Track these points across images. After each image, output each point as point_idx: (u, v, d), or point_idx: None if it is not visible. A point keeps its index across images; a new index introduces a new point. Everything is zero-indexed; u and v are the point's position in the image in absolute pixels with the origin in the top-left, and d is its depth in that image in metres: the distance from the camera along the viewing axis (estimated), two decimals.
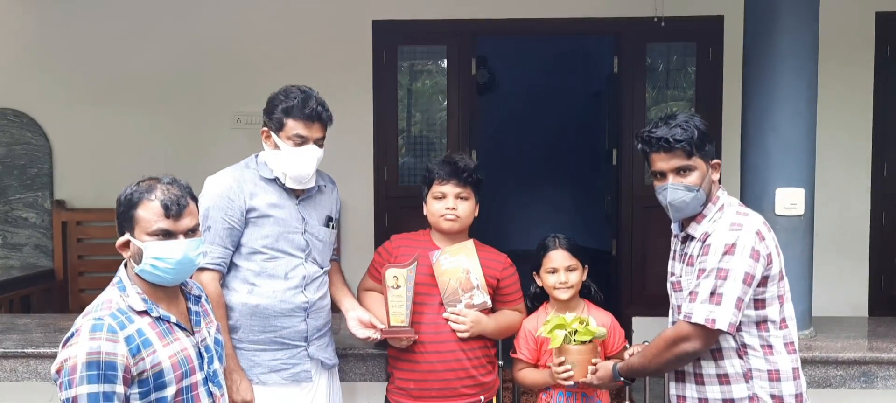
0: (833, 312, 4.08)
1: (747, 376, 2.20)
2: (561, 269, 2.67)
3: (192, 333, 2.02)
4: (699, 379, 2.27)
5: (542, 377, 2.65)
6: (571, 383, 2.49)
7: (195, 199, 2.01)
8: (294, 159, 2.46)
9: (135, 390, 1.85)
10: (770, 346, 2.20)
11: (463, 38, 5.42)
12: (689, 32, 5.27)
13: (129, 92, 5.47)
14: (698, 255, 2.21)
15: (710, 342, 2.18)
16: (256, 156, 2.58)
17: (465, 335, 2.63)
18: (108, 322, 1.84)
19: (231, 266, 2.49)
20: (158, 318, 1.93)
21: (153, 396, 1.88)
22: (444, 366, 2.63)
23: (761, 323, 2.20)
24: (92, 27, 5.45)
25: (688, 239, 2.30)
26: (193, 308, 2.06)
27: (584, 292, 2.78)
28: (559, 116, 8.58)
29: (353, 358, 2.88)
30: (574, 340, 2.47)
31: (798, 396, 2.22)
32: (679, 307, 2.27)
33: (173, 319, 1.97)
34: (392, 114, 5.47)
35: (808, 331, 3.01)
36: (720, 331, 2.13)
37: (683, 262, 2.30)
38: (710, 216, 2.25)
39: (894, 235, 5.18)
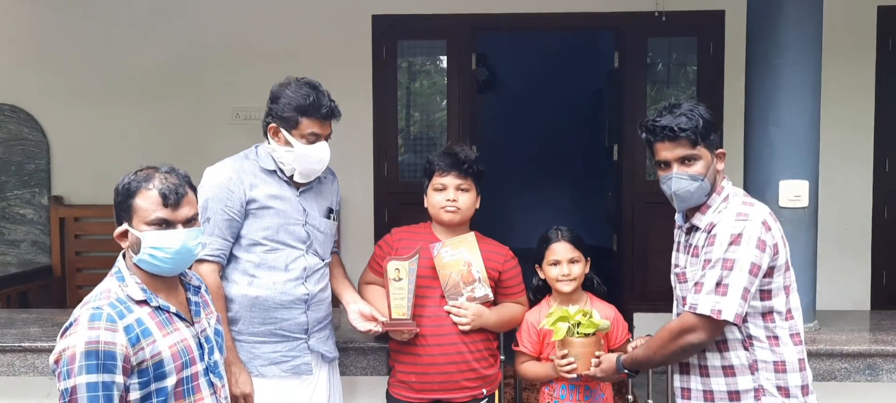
0: (835, 308, 4.05)
1: (753, 367, 2.18)
2: (563, 261, 2.65)
3: (192, 324, 1.99)
4: (704, 371, 2.24)
5: (545, 370, 2.63)
6: (575, 376, 2.47)
7: (194, 189, 1.99)
8: (308, 156, 2.44)
9: (134, 380, 1.82)
10: (776, 337, 2.18)
11: (463, 32, 5.41)
12: (689, 27, 5.26)
13: (128, 87, 5.44)
14: (704, 246, 2.18)
15: (715, 333, 2.15)
16: (256, 148, 2.56)
17: (467, 328, 2.61)
18: (107, 311, 1.81)
19: (230, 257, 2.46)
20: (158, 308, 1.91)
21: (153, 386, 1.85)
22: (445, 359, 2.60)
23: (767, 313, 2.18)
24: (90, 22, 5.43)
25: (692, 229, 2.27)
26: (193, 298, 2.04)
27: (587, 285, 2.76)
28: (559, 114, 8.56)
29: (353, 352, 2.85)
30: (577, 332, 2.45)
31: (804, 387, 2.19)
32: (684, 298, 2.24)
33: (173, 309, 1.94)
34: (392, 110, 5.45)
35: (813, 324, 2.99)
36: (726, 322, 2.10)
37: (688, 253, 2.28)
38: (715, 206, 2.22)
39: None
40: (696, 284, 2.16)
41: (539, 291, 2.78)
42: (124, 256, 1.96)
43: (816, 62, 3.01)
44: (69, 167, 5.50)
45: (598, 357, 2.44)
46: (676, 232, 2.40)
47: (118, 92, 5.44)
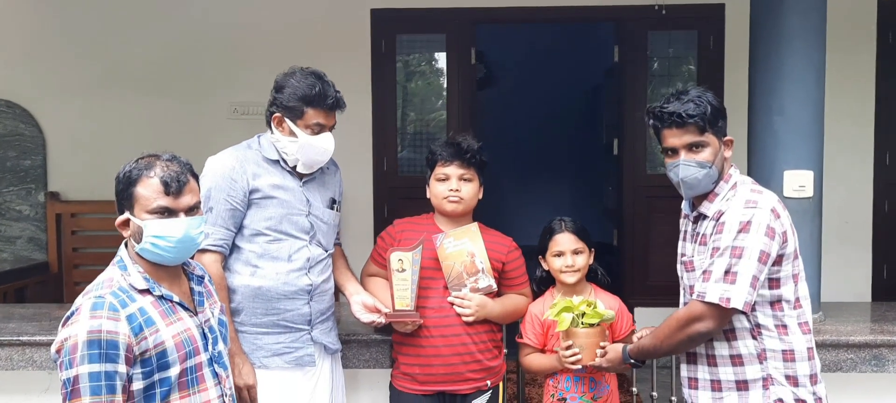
0: (836, 301, 4.04)
1: (761, 356, 2.16)
2: (567, 252, 2.63)
3: (196, 313, 1.96)
4: (711, 360, 2.22)
5: (550, 361, 2.61)
6: (579, 367, 2.45)
7: (196, 176, 1.96)
8: (312, 146, 2.42)
9: (137, 370, 1.79)
10: (784, 326, 2.16)
11: (462, 26, 5.38)
12: (690, 20, 5.25)
13: (124, 82, 5.40)
14: (712, 234, 2.16)
15: (724, 321, 2.13)
16: (259, 137, 2.53)
17: (471, 319, 2.59)
18: (110, 300, 1.78)
19: (233, 248, 2.43)
20: (161, 297, 1.88)
21: (156, 376, 1.82)
22: (449, 350, 2.58)
23: (775, 302, 2.16)
24: (86, 16, 5.39)
25: (700, 217, 2.25)
26: (196, 288, 2.01)
27: (591, 276, 2.74)
28: (557, 109, 8.54)
29: (355, 345, 2.82)
30: (582, 323, 2.43)
31: (813, 376, 2.18)
32: (691, 287, 2.22)
33: (176, 298, 1.91)
34: (391, 104, 5.42)
35: (818, 315, 2.97)
36: (735, 310, 2.08)
37: (695, 242, 2.26)
38: (723, 194, 2.20)
39: None
40: (704, 272, 2.14)
41: (543, 282, 2.77)
42: (126, 245, 1.93)
43: (820, 50, 2.99)
44: (65, 163, 5.46)
45: (603, 347, 2.42)
46: (683, 220, 2.38)
47: (115, 87, 5.40)
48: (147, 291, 1.86)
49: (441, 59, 5.62)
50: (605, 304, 2.56)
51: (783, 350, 2.15)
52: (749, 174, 3.07)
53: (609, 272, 2.84)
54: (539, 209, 8.37)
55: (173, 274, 1.95)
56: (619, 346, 2.40)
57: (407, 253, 2.53)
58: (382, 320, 2.57)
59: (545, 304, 2.65)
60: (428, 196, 2.70)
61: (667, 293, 3.97)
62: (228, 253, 2.43)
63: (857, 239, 5.14)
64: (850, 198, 5.10)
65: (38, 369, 2.86)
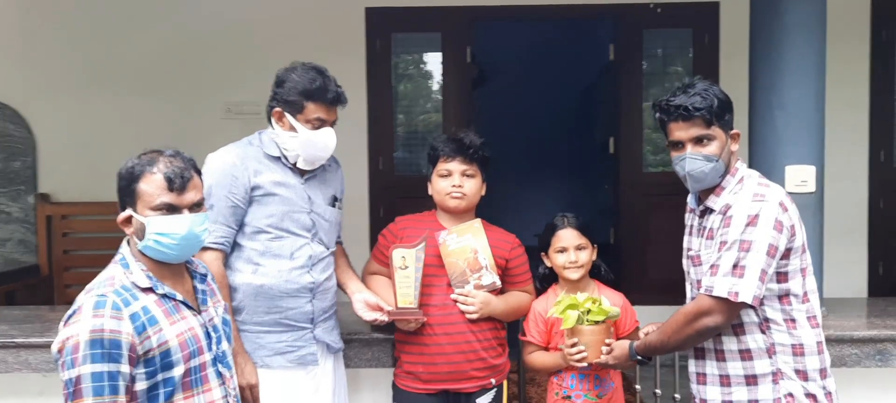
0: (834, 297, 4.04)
1: (770, 351, 2.14)
2: (570, 248, 2.61)
3: (199, 312, 1.93)
4: (720, 355, 2.20)
5: (554, 359, 2.58)
6: (585, 364, 2.43)
7: (199, 173, 1.93)
8: (313, 142, 2.39)
9: (141, 370, 1.75)
10: (793, 320, 2.14)
11: (457, 24, 5.36)
12: (685, 18, 5.26)
13: (116, 82, 5.34)
14: (719, 228, 2.14)
15: (732, 316, 2.11)
16: (260, 134, 2.50)
17: (475, 316, 2.56)
18: (112, 298, 1.75)
19: (234, 246, 2.40)
20: (164, 296, 1.84)
21: (160, 377, 1.78)
22: (453, 348, 2.55)
23: (784, 296, 2.14)
24: (76, 15, 5.32)
25: (707, 212, 2.23)
26: (199, 286, 1.97)
27: (595, 272, 2.72)
28: (552, 108, 8.52)
29: (357, 344, 2.79)
30: (587, 320, 2.40)
31: (822, 371, 2.16)
32: (699, 281, 2.20)
33: (179, 297, 1.88)
34: (387, 103, 5.39)
35: (821, 310, 2.96)
36: (744, 304, 2.06)
37: (702, 236, 2.24)
38: (730, 188, 2.19)
39: (893, 221, 5.18)
40: (711, 267, 2.12)
41: (545, 280, 2.74)
42: (128, 243, 1.89)
43: (821, 43, 2.99)
44: (56, 164, 5.40)
45: (608, 344, 2.39)
46: (688, 215, 2.37)
47: (106, 86, 5.33)
48: (150, 289, 1.83)
49: (437, 57, 5.59)
50: (610, 301, 2.54)
51: (792, 345, 2.14)
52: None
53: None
54: (535, 208, 8.36)
55: (176, 272, 1.91)
56: (626, 343, 2.38)
57: (410, 250, 2.50)
58: (385, 318, 2.54)
59: (548, 302, 2.62)
60: (430, 192, 2.67)
61: (664, 291, 3.96)
62: (230, 251, 2.39)
63: (854, 237, 5.14)
64: (846, 196, 5.09)
65: (33, 371, 2.81)
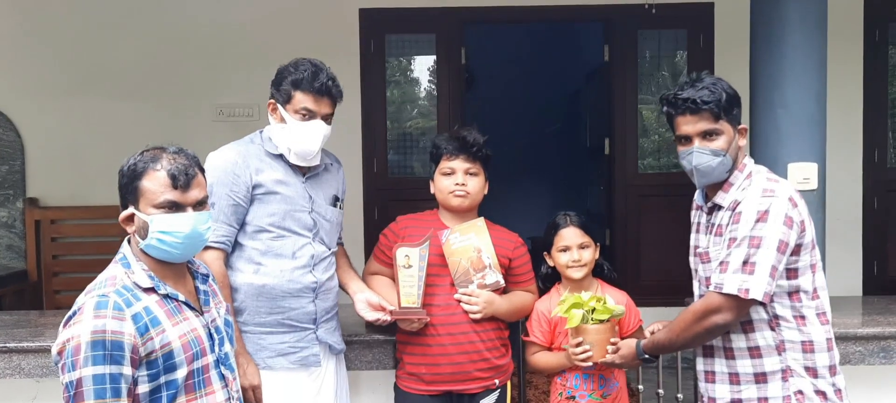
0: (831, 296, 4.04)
1: (780, 348, 2.12)
2: (573, 247, 2.58)
3: (201, 313, 1.88)
4: (729, 353, 2.18)
5: (558, 359, 2.56)
6: (590, 364, 2.40)
7: (202, 170, 1.88)
8: (300, 134, 2.34)
9: (143, 372, 1.71)
10: (803, 317, 2.12)
11: (451, 25, 5.34)
12: (679, 19, 5.27)
13: (105, 85, 5.28)
14: (728, 224, 2.12)
15: (742, 313, 2.09)
16: (261, 132, 2.46)
17: (478, 316, 2.53)
18: (114, 299, 1.70)
19: (235, 245, 2.36)
20: (166, 296, 1.80)
21: (162, 379, 1.74)
22: (457, 349, 2.52)
23: (794, 293, 2.12)
24: (66, 17, 5.26)
25: (715, 208, 2.21)
26: (201, 287, 1.93)
27: (598, 271, 2.70)
28: (545, 110, 8.52)
29: (358, 345, 2.74)
30: (592, 319, 2.38)
31: (832, 368, 2.14)
32: (707, 279, 2.18)
33: (181, 298, 1.83)
34: (380, 105, 5.36)
35: None
36: (754, 301, 2.04)
37: (710, 233, 2.22)
38: (738, 184, 2.17)
39: (887, 221, 5.21)
40: (720, 263, 2.09)
41: (548, 279, 2.72)
42: (129, 242, 1.84)
43: (822, 41, 2.99)
44: (45, 168, 5.32)
45: (613, 343, 2.37)
46: (695, 212, 2.35)
47: (95, 90, 5.27)
48: (152, 290, 1.78)
49: (431, 59, 5.56)
50: (613, 300, 2.51)
51: (802, 341, 2.12)
52: None
53: None
54: (529, 210, 8.34)
55: (178, 272, 1.87)
56: (633, 342, 2.35)
57: (414, 249, 2.47)
58: (388, 318, 2.50)
59: (551, 301, 2.60)
60: (432, 191, 2.64)
61: (659, 292, 3.93)
62: (231, 250, 2.35)
63: (848, 237, 5.16)
64: (841, 196, 5.11)
65: (26, 377, 2.73)
